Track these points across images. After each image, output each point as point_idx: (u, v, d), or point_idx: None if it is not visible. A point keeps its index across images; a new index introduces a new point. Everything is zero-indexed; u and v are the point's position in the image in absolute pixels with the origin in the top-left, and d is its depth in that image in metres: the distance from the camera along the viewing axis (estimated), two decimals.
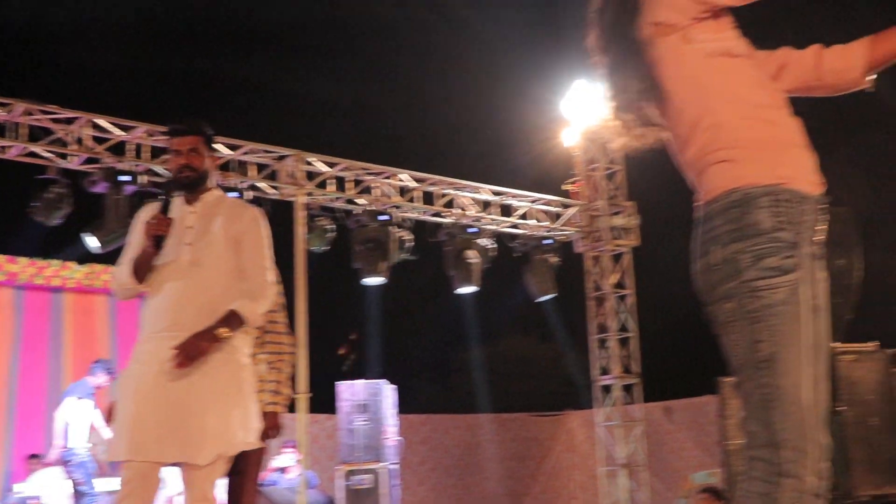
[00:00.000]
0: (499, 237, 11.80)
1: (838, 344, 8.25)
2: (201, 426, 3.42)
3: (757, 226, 2.25)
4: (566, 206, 12.43)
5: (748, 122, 2.33)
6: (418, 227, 11.27)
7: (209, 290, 3.59)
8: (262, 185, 10.14)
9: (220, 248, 3.67)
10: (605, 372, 12.45)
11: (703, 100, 2.36)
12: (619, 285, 12.46)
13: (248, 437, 3.55)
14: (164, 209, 3.65)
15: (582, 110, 12.37)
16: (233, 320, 3.54)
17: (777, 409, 2.18)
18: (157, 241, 3.59)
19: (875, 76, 2.48)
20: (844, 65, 2.45)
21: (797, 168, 2.32)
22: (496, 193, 11.71)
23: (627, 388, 12.34)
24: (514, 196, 11.88)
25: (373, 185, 10.89)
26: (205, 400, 3.44)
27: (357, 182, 10.80)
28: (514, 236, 12.06)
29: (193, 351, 3.43)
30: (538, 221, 12.15)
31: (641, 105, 2.51)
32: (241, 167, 10.01)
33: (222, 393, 3.49)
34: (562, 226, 12.33)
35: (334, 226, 10.61)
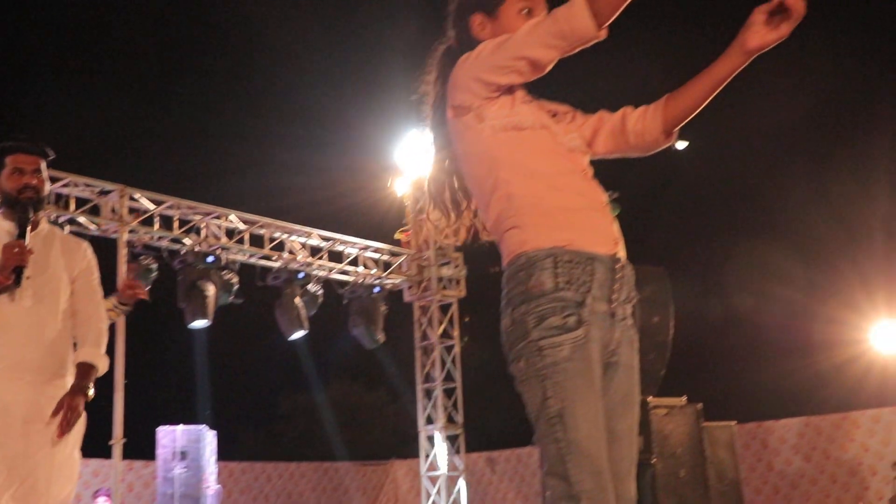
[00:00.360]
0: (328, 283, 11.73)
1: (651, 398, 8.58)
2: (47, 477, 3.29)
3: (540, 287, 2.37)
4: (396, 255, 12.49)
5: (535, 190, 2.46)
6: (246, 270, 11.06)
7: (49, 330, 3.43)
8: (82, 219, 9.74)
9: (58, 285, 3.51)
10: (430, 421, 12.49)
11: (496, 172, 2.48)
12: (446, 335, 12.58)
13: (72, 490, 3.43)
14: (22, 233, 3.39)
15: (414, 160, 12.52)
16: (90, 373, 3.42)
17: (572, 462, 2.25)
18: (17, 273, 3.33)
19: (678, 134, 2.63)
20: (643, 127, 2.60)
21: (583, 230, 2.44)
22: (326, 239, 11.65)
23: (452, 439, 12.42)
24: (343, 242, 11.86)
25: (200, 224, 10.63)
26: (50, 452, 3.31)
27: (184, 221, 10.53)
28: (343, 283, 12.02)
29: (76, 416, 3.33)
30: (367, 269, 12.15)
31: (453, 183, 2.66)
32: (61, 200, 9.58)
33: (64, 445, 3.36)
34: (391, 274, 12.38)
35: (157, 265, 10.27)
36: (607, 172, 2.76)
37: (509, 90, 2.53)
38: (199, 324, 10.36)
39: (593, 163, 2.68)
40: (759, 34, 2.39)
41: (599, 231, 2.49)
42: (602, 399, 2.34)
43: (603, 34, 2.33)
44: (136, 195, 10.10)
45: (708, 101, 2.56)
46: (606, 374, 2.39)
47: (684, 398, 8.57)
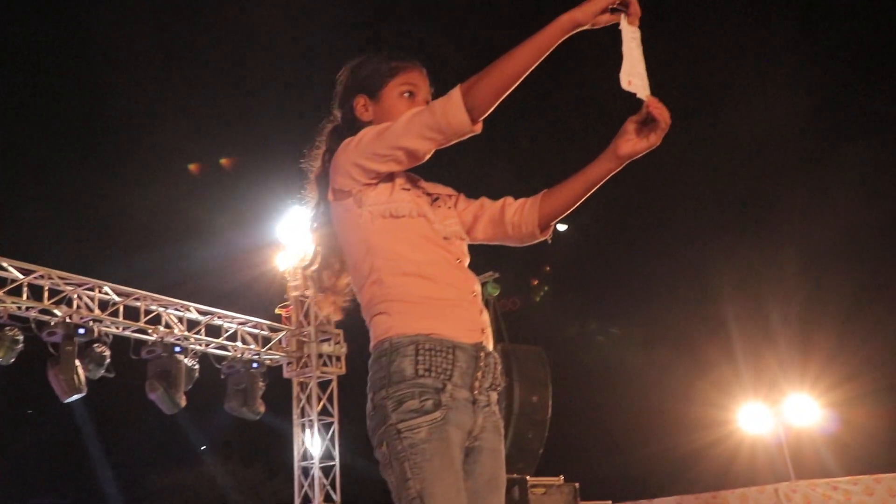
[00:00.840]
0: (205, 357, 11.48)
1: (530, 477, 8.62)
2: None
3: (401, 373, 2.42)
4: (276, 330, 12.34)
5: (404, 278, 2.52)
6: (119, 343, 10.73)
7: None
8: None
9: None
10: (307, 500, 12.23)
11: (370, 258, 2.55)
12: (325, 412, 12.42)
13: None
14: None
15: (297, 235, 12.47)
16: None
17: None
18: None
19: (553, 229, 2.73)
20: (520, 219, 2.70)
21: (448, 319, 2.51)
22: (203, 313, 11.43)
23: None
24: (222, 316, 11.66)
25: (72, 295, 10.30)
26: None
27: (55, 292, 10.18)
28: (220, 358, 11.78)
29: None
30: (246, 344, 11.95)
31: (333, 263, 2.72)
32: None
33: None
34: (271, 350, 12.20)
35: (24, 337, 9.87)
36: (489, 252, 2.83)
37: (389, 177, 2.59)
38: (71, 398, 9.97)
39: (472, 247, 2.75)
40: (631, 142, 2.54)
41: (465, 320, 2.55)
42: (467, 483, 2.38)
43: (478, 128, 2.41)
44: (4, 263, 9.75)
45: (582, 199, 2.67)
46: (470, 458, 2.45)
47: (561, 477, 8.64)
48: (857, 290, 12.42)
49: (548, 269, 10.29)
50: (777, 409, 13.27)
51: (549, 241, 2.76)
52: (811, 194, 12.94)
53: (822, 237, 12.63)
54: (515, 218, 2.72)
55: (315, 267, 2.78)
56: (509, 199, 2.75)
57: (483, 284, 10.32)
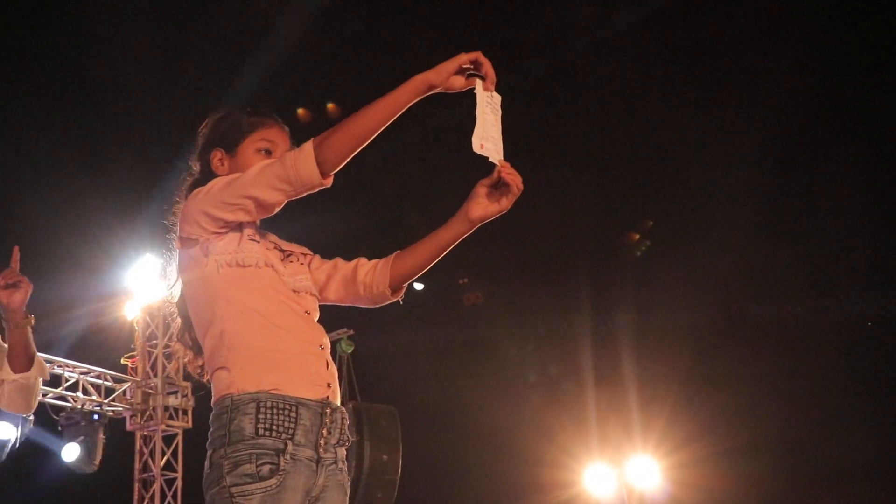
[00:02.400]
0: (42, 408, 10.95)
1: None
2: None
3: (240, 432, 2.38)
4: (120, 381, 11.90)
5: (248, 329, 2.49)
6: None
7: None
8: None
9: None
10: None
11: (213, 307, 2.51)
12: (169, 467, 12.01)
13: None
14: None
15: (146, 285, 12.13)
16: None
17: None
18: None
19: (405, 290, 2.76)
20: (372, 280, 2.71)
21: (292, 374, 2.48)
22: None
23: None
24: (62, 365, 11.17)
25: None
26: None
27: None
28: (59, 408, 11.27)
29: None
30: (87, 394, 11.48)
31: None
32: None
33: None
34: (114, 401, 11.76)
35: None
36: (343, 308, 2.83)
37: (238, 227, 2.56)
38: None
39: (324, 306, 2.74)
40: (482, 206, 2.59)
41: (311, 375, 2.52)
42: None
43: (328, 182, 2.43)
44: None
45: (434, 262, 2.70)
46: None
47: None
48: (695, 355, 12.93)
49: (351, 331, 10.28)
50: (621, 472, 13.58)
51: (401, 302, 2.78)
52: (646, 258, 13.46)
53: (658, 304, 13.12)
54: (367, 279, 2.73)
55: (180, 324, 2.72)
56: (362, 260, 2.77)
57: (336, 341, 10.27)
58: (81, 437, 11.29)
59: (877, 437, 12.25)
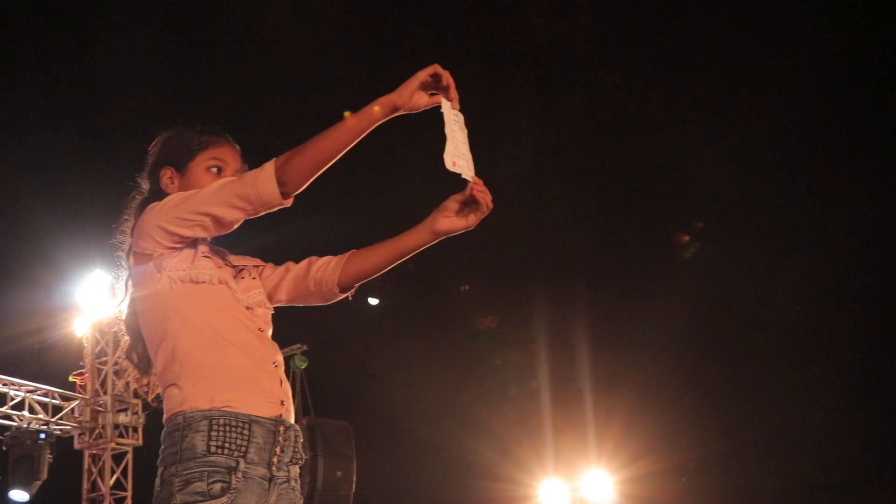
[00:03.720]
0: None
1: None
2: None
3: (192, 450, 2.36)
4: (68, 399, 11.70)
5: (201, 346, 2.47)
6: None
7: None
8: None
9: None
10: None
11: (166, 323, 2.49)
12: (118, 486, 11.82)
13: None
14: None
15: (96, 301, 11.96)
16: None
17: None
18: None
19: (356, 290, 2.74)
20: (322, 276, 2.69)
21: (245, 392, 2.46)
22: None
23: None
24: (7, 383, 10.97)
25: None
26: None
27: None
28: (4, 428, 11.05)
29: None
30: (34, 413, 11.27)
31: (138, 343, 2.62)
32: None
33: None
34: (62, 420, 11.55)
35: None
36: (297, 324, 2.82)
37: (193, 244, 2.54)
38: None
39: (280, 317, 2.72)
40: (449, 220, 2.59)
41: (264, 393, 2.50)
42: None
43: (288, 202, 2.41)
44: None
45: (390, 267, 2.69)
46: None
47: None
48: (648, 371, 13.04)
49: (303, 348, 10.23)
50: (574, 486, 13.63)
51: (350, 299, 2.76)
52: (602, 271, 13.57)
53: (614, 320, 13.23)
54: (318, 274, 2.71)
55: (128, 342, 2.68)
56: (315, 257, 2.75)
57: (290, 357, 10.21)
58: (26, 457, 11.07)
59: (826, 453, 12.43)
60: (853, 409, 12.26)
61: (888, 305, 12.21)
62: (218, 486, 2.29)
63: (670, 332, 12.81)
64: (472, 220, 2.56)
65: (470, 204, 2.55)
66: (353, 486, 9.71)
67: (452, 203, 2.56)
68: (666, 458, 12.93)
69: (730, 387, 12.78)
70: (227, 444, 2.33)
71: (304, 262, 2.73)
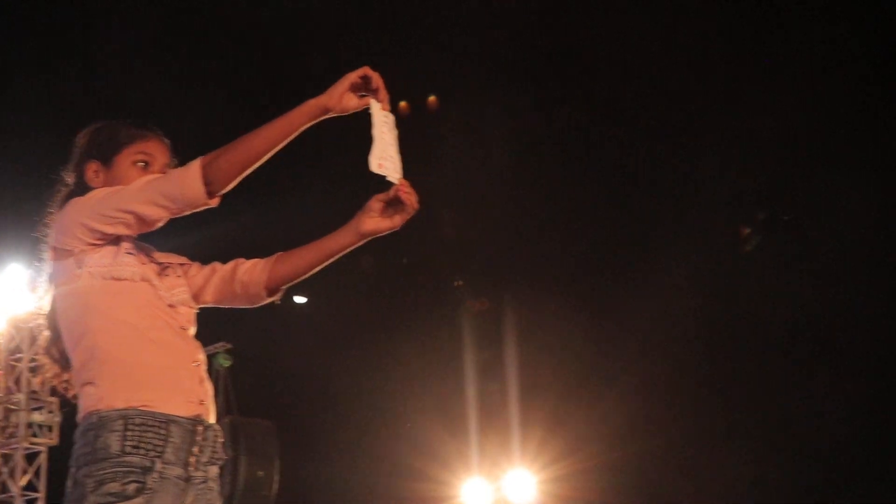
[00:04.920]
0: None
1: None
2: None
3: (106, 450, 2.33)
4: None
5: (120, 344, 2.44)
6: None
7: None
8: None
9: None
10: None
11: (85, 320, 2.45)
12: (31, 488, 11.54)
13: None
14: None
15: (12, 296, 11.65)
16: None
17: None
18: None
19: (283, 293, 2.72)
20: (249, 279, 2.67)
21: (164, 391, 2.43)
22: None
23: None
24: None
25: None
26: None
27: None
28: None
29: None
30: None
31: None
32: None
33: None
34: None
35: None
36: (222, 323, 2.79)
37: (115, 240, 2.50)
38: None
39: (204, 315, 2.69)
40: (374, 220, 2.59)
41: (183, 392, 2.47)
42: None
43: (214, 202, 2.39)
44: None
45: (317, 269, 2.68)
46: None
47: None
48: (572, 369, 13.20)
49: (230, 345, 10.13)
50: (498, 486, 13.71)
51: (278, 303, 2.74)
52: (533, 266, 13.70)
53: (539, 317, 13.36)
54: (245, 277, 2.69)
55: (48, 337, 2.62)
56: (241, 260, 2.74)
57: (214, 355, 10.08)
58: None
59: (752, 454, 12.71)
60: (772, 406, 12.56)
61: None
62: (133, 487, 2.26)
63: (591, 333, 12.98)
64: (397, 221, 2.57)
65: (395, 205, 2.55)
66: (275, 486, 9.63)
67: (376, 203, 2.56)
68: (588, 458, 13.09)
69: (651, 386, 12.99)
70: (142, 444, 2.30)
71: (230, 264, 2.70)
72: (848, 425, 11.74)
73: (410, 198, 2.52)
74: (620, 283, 12.89)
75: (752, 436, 12.56)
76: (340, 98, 2.37)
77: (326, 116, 2.38)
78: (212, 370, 10.05)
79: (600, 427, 13.02)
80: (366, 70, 2.40)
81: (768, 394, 12.63)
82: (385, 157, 2.44)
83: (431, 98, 10.80)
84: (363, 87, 2.42)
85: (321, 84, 2.40)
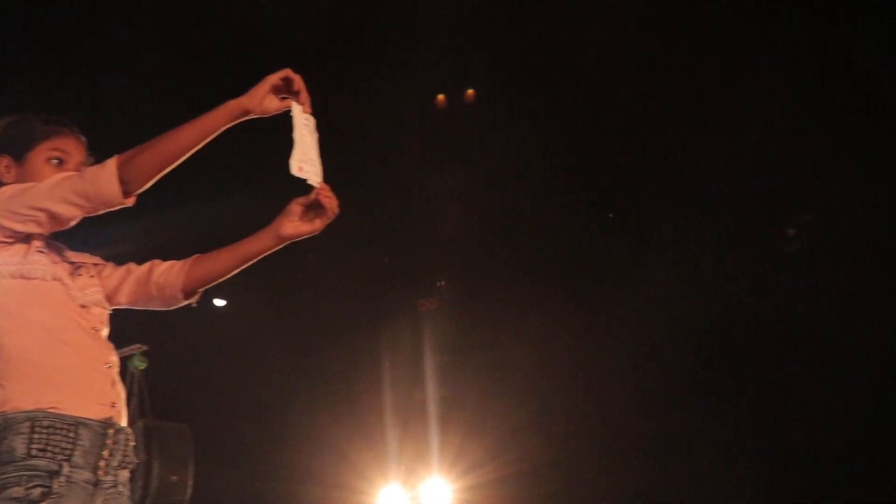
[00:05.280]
0: None
1: None
2: None
3: (11, 453, 2.32)
4: None
5: (29, 344, 2.43)
6: None
7: None
8: None
9: None
10: None
11: None
12: None
13: None
14: None
15: None
16: None
17: None
18: None
19: (200, 295, 2.71)
20: (165, 281, 2.68)
21: (74, 393, 2.42)
22: None
23: None
24: None
25: None
26: None
27: None
28: None
29: None
30: None
31: None
32: None
33: None
34: None
35: None
36: (138, 323, 2.77)
37: (26, 238, 2.49)
38: None
39: (119, 316, 2.67)
40: (294, 224, 2.61)
41: (94, 394, 2.46)
42: None
43: (130, 202, 2.38)
44: None
45: (235, 272, 2.68)
46: None
47: None
48: (488, 375, 13.27)
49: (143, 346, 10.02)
50: (414, 494, 13.71)
51: (195, 305, 2.74)
52: (455, 278, 13.75)
53: (457, 327, 13.42)
54: (161, 279, 2.70)
55: None
56: (157, 261, 2.74)
57: (129, 357, 9.92)
58: None
59: (658, 464, 12.89)
60: (691, 416, 12.74)
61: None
62: (38, 491, 2.23)
63: (510, 340, 13.07)
64: (317, 225, 2.59)
65: (316, 209, 2.55)
66: (189, 491, 9.50)
67: (296, 207, 2.57)
68: (505, 466, 13.17)
69: (569, 394, 13.13)
70: (49, 447, 2.27)
71: (146, 266, 2.69)
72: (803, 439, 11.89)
73: (331, 202, 2.54)
74: (552, 291, 12.97)
75: (683, 443, 12.74)
76: (261, 100, 2.38)
77: (247, 118, 2.39)
78: (127, 372, 9.86)
79: (518, 435, 13.11)
80: (287, 72, 2.42)
81: (693, 397, 12.80)
82: (306, 161, 2.46)
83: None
84: (284, 90, 2.43)
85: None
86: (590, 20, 9.54)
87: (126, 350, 9.74)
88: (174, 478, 9.31)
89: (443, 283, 13.20)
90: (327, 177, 2.50)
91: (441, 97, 10.84)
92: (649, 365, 12.83)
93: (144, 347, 10.05)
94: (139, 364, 10.02)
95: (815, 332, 11.48)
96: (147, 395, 9.87)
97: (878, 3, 9.51)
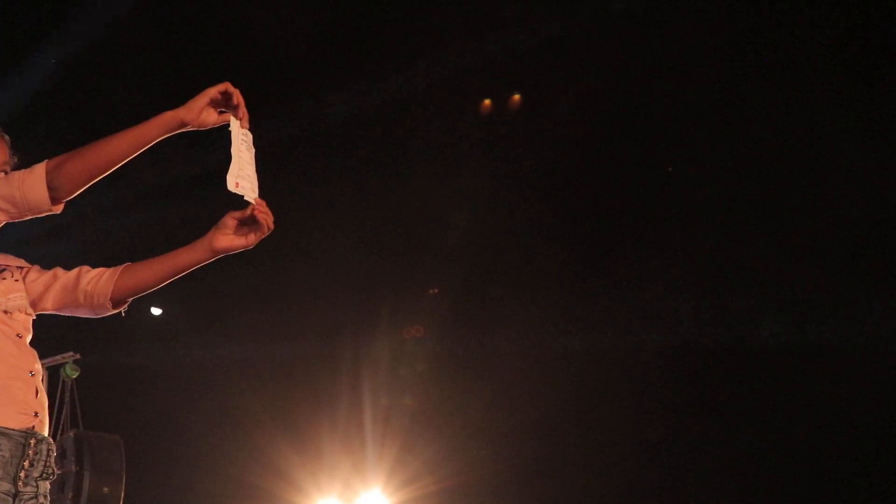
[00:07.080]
0: None
1: None
2: None
3: None
4: None
5: None
6: None
7: None
8: None
9: None
10: None
11: None
12: None
13: None
14: None
15: None
16: None
17: None
18: None
19: (128, 305, 2.66)
20: (94, 289, 2.60)
21: None
22: None
23: None
24: None
25: None
26: None
27: None
28: None
29: None
30: None
31: None
32: None
33: None
34: None
35: None
36: (70, 330, 2.73)
37: None
38: None
39: (44, 322, 2.62)
40: (228, 237, 2.55)
41: (16, 403, 2.38)
42: None
43: (58, 209, 2.33)
44: None
45: (166, 283, 2.63)
46: None
47: None
48: (425, 388, 13.27)
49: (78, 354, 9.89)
50: None
51: (123, 315, 2.69)
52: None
53: (391, 341, 13.40)
54: (89, 287, 2.62)
55: None
56: (86, 268, 2.66)
57: (61, 366, 9.74)
58: None
59: (597, 476, 12.96)
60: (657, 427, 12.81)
61: None
62: None
63: (443, 351, 13.08)
64: (251, 240, 2.54)
65: (250, 223, 2.53)
66: (121, 503, 9.36)
67: (230, 220, 2.53)
68: (443, 480, 13.16)
69: (502, 407, 13.17)
70: None
71: (74, 272, 2.60)
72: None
73: (266, 217, 2.50)
74: (494, 299, 13.01)
75: (608, 454, 12.82)
76: (199, 112, 2.33)
77: (183, 130, 2.35)
78: (58, 381, 9.69)
79: (455, 447, 13.12)
80: (226, 86, 2.38)
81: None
82: (242, 176, 2.43)
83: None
84: (223, 103, 2.40)
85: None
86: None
87: (58, 358, 9.57)
88: (106, 489, 9.17)
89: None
90: (264, 191, 2.49)
91: None
92: (583, 373, 12.90)
93: (77, 356, 9.87)
94: (71, 373, 9.83)
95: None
96: (79, 404, 9.71)
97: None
